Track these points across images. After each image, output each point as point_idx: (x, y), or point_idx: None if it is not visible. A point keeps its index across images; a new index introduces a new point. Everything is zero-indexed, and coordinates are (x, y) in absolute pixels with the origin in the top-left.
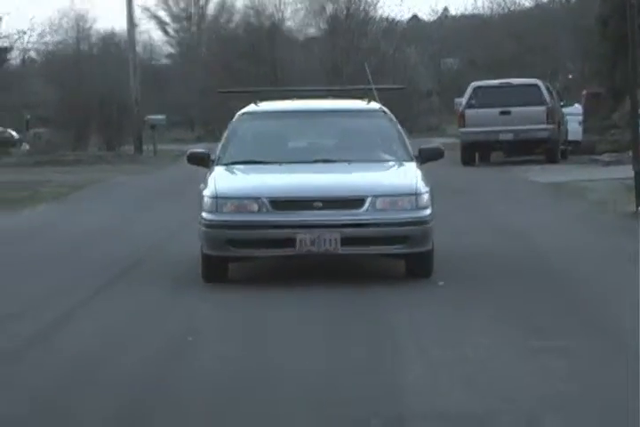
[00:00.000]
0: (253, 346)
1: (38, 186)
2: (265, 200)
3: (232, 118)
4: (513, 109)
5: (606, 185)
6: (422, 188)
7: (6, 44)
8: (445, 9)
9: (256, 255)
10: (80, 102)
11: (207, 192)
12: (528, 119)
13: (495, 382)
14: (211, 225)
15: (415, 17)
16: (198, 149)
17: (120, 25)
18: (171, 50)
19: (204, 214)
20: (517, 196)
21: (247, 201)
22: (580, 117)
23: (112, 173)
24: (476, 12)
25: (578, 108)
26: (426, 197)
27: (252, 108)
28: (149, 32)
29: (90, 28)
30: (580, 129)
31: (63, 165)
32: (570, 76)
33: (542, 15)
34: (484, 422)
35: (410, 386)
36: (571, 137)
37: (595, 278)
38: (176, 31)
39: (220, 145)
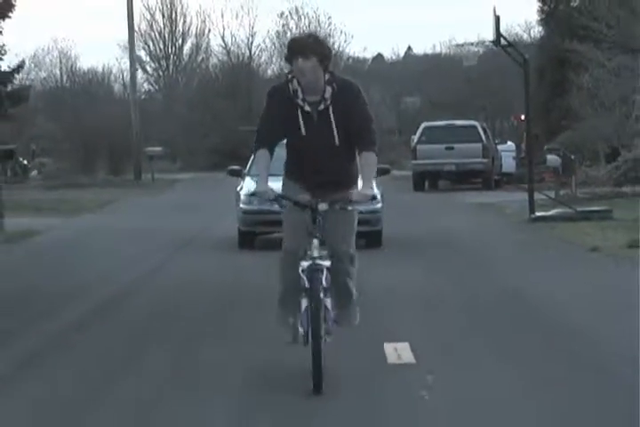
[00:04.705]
0: (271, 275)
1: (71, 202)
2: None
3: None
4: (455, 146)
5: (520, 204)
6: (375, 190)
7: (29, 83)
8: (409, 48)
9: (272, 230)
10: (80, 135)
11: (243, 191)
12: (467, 154)
13: (408, 283)
14: (245, 212)
15: (380, 55)
16: (234, 166)
17: (102, 61)
18: (150, 87)
19: (241, 205)
20: (450, 210)
21: None
22: (514, 153)
23: (125, 194)
24: (434, 52)
25: (511, 145)
26: (378, 196)
27: None
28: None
29: (74, 64)
30: (513, 163)
31: (78, 188)
32: (522, 118)
33: (492, 61)
34: (406, 294)
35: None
36: (505, 169)
37: (482, 251)
38: (155, 69)
39: (249, 163)
